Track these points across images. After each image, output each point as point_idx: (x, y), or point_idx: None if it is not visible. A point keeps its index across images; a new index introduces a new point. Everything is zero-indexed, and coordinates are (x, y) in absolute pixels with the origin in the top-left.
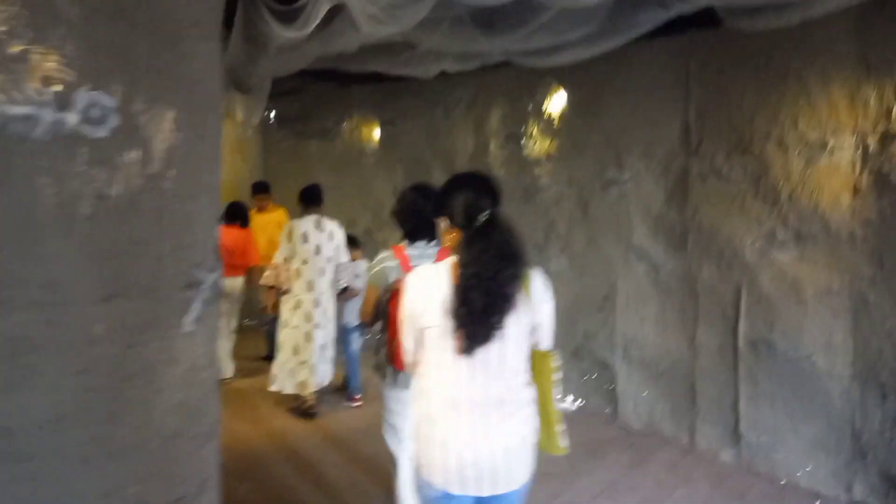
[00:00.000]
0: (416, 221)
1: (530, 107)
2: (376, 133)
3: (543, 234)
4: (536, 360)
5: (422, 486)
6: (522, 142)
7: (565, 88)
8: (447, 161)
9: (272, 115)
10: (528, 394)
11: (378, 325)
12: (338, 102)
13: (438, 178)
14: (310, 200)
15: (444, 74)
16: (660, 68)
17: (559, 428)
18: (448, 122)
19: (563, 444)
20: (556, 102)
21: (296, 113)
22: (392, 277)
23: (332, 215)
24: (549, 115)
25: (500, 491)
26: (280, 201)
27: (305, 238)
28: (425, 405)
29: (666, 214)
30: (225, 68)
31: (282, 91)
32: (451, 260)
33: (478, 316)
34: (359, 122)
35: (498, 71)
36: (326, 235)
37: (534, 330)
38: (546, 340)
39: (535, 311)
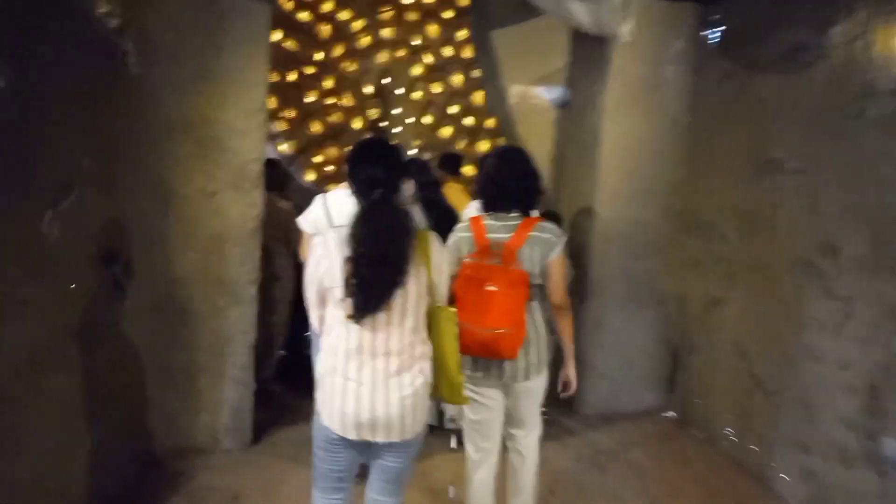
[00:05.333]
0: (494, 191)
1: None
2: None
3: None
4: (433, 316)
5: (320, 430)
6: None
7: None
8: None
9: (710, 33)
10: (424, 349)
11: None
12: None
13: None
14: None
15: None
16: None
17: (460, 379)
18: None
19: (465, 394)
20: None
21: (745, 25)
22: (465, 250)
23: (794, 230)
24: None
25: (393, 439)
26: (708, 221)
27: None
28: (330, 358)
29: None
30: None
31: None
32: (349, 229)
33: (367, 289)
34: (868, 22)
35: None
36: None
37: (431, 289)
38: (442, 298)
39: (433, 270)
